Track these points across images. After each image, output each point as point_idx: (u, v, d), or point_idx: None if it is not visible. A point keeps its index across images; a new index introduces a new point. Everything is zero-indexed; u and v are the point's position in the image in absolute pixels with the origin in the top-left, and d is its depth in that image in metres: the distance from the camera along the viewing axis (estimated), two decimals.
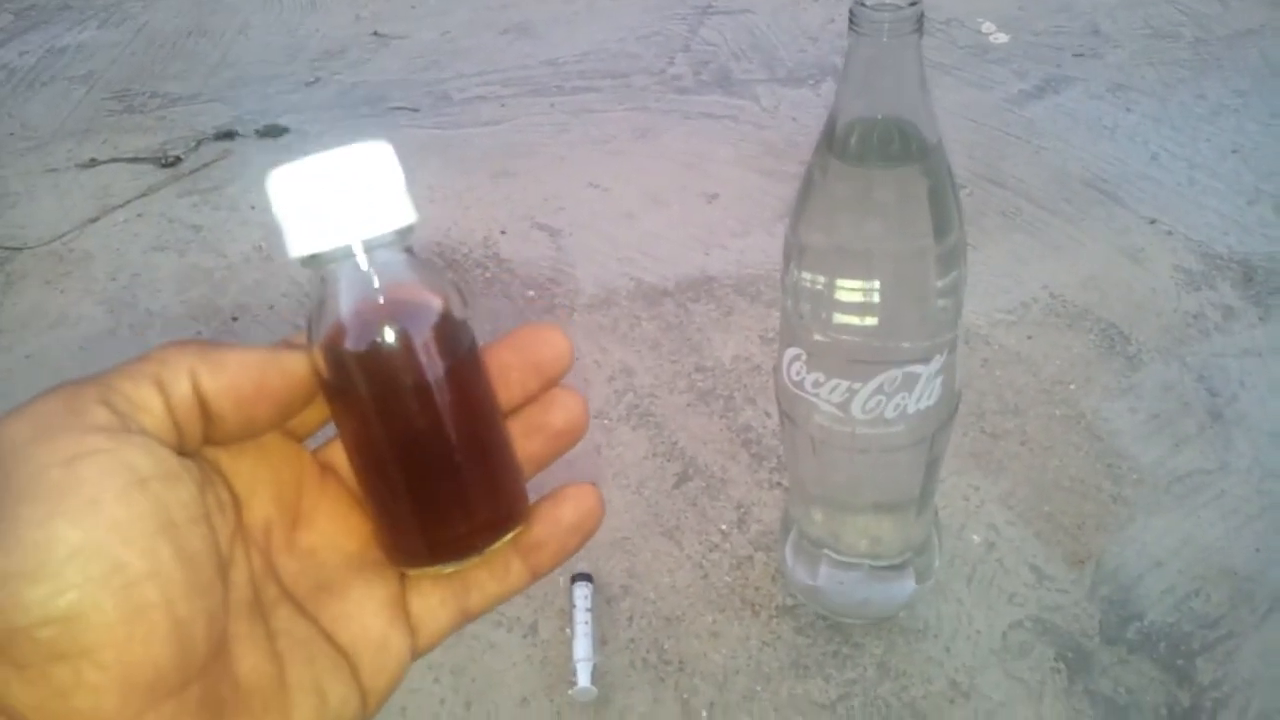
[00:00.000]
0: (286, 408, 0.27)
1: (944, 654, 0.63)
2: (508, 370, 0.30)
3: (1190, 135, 1.10)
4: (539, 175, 1.13)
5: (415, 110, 1.28)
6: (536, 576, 0.31)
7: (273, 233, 0.97)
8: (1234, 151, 1.07)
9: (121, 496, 0.23)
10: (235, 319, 0.96)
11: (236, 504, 0.27)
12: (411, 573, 0.29)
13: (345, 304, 0.27)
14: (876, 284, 0.51)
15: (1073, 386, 0.80)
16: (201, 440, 0.26)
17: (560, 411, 0.31)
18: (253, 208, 1.11)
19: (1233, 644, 0.62)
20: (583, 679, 0.61)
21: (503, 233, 1.04)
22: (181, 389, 0.25)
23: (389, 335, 0.26)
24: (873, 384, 0.52)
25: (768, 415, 0.79)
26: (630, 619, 0.66)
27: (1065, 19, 1.34)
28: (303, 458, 0.29)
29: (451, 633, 0.30)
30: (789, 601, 0.67)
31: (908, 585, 0.64)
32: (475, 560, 0.29)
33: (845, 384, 0.53)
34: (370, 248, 0.27)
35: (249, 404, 0.26)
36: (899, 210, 0.50)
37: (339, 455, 0.30)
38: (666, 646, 0.65)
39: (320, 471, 0.30)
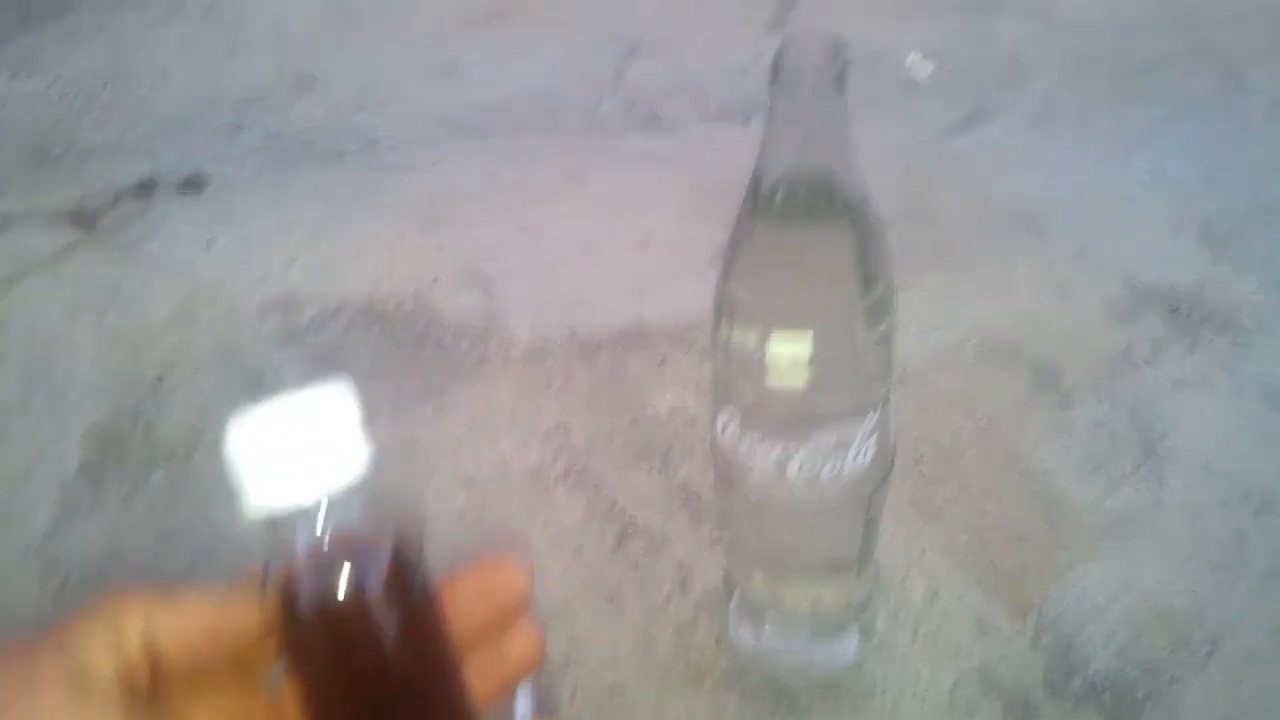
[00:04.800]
0: (238, 652, 0.28)
1: (892, 714, 0.63)
2: (467, 612, 0.30)
3: (1113, 165, 1.11)
4: (470, 222, 1.11)
5: (342, 157, 1.26)
6: None
7: (198, 293, 0.94)
8: (1156, 181, 1.08)
9: None
10: (160, 379, 0.93)
11: None
12: None
13: (299, 555, 0.27)
14: (808, 343, 0.50)
15: (1008, 427, 0.80)
16: (151, 683, 0.26)
17: (517, 647, 0.31)
18: (175, 265, 1.08)
19: (1176, 690, 0.63)
20: None
21: (434, 282, 1.02)
22: (134, 642, 0.25)
23: (341, 590, 0.27)
24: (808, 445, 0.52)
25: (705, 470, 0.78)
26: (574, 692, 0.65)
27: (988, 49, 1.35)
28: (253, 699, 0.29)
29: None
30: (734, 666, 0.66)
31: (852, 643, 0.64)
32: None
33: (780, 445, 0.52)
34: (326, 504, 0.27)
35: (201, 650, 0.27)
36: (826, 268, 0.50)
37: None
38: None
39: (272, 712, 0.30)
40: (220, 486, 0.81)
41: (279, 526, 0.27)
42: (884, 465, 0.56)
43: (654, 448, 0.80)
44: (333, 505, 0.27)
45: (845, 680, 0.64)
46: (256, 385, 0.91)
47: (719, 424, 0.55)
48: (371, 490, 0.28)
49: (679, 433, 0.82)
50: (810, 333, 0.50)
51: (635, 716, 0.63)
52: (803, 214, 0.49)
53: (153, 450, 0.86)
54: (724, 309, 0.52)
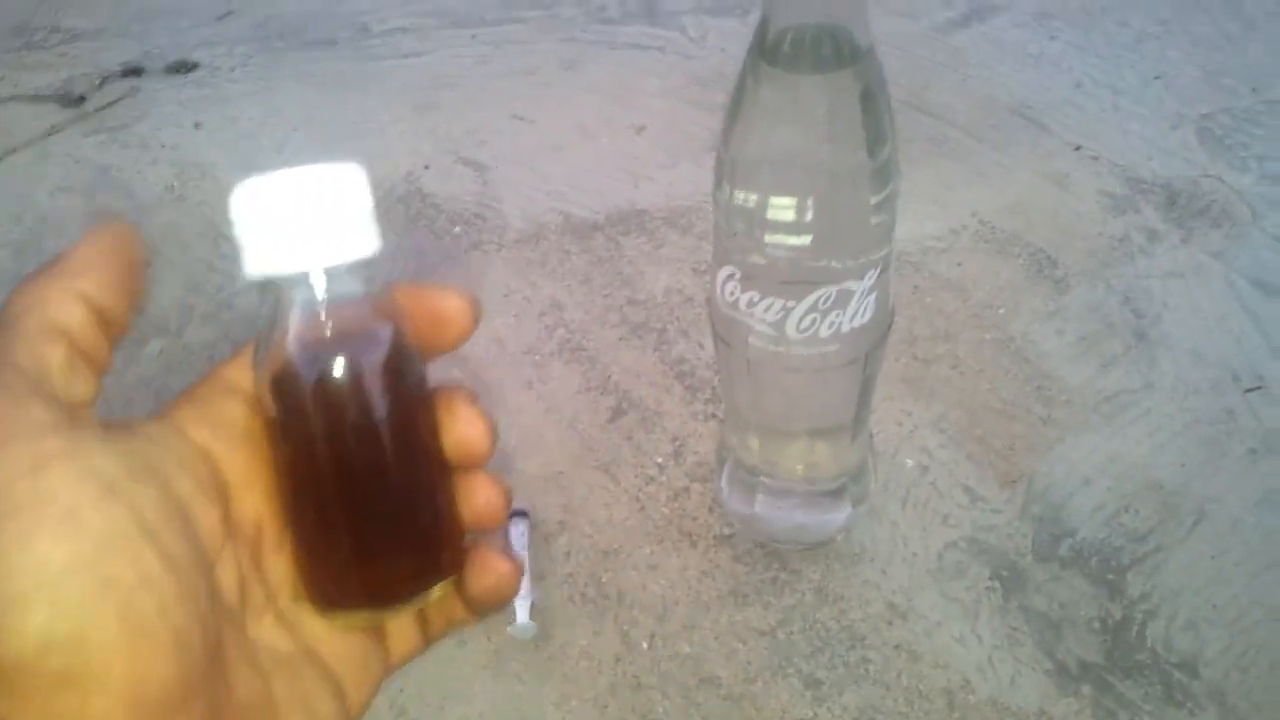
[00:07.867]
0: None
1: (880, 577, 0.64)
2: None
3: (1114, 63, 1.10)
4: (462, 108, 1.10)
5: (333, 43, 1.23)
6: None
7: (186, 173, 0.93)
8: (1157, 78, 1.07)
9: (97, 505, 0.21)
10: (148, 263, 0.92)
11: (226, 492, 0.26)
12: (330, 618, 0.28)
13: (295, 331, 0.26)
14: (810, 200, 0.50)
15: (1002, 311, 0.81)
16: (110, 348, 0.25)
17: (480, 498, 0.29)
18: (163, 146, 1.07)
19: (1160, 557, 0.64)
20: (521, 616, 0.61)
21: (426, 168, 1.01)
22: (77, 319, 0.24)
23: (339, 368, 0.26)
24: (807, 302, 0.52)
25: (701, 347, 0.78)
26: (568, 554, 0.65)
27: None
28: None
29: (418, 654, 0.30)
30: (726, 531, 0.66)
31: (843, 510, 0.64)
32: (404, 609, 0.28)
33: (780, 302, 0.52)
34: (329, 276, 0.26)
35: (129, 291, 0.25)
36: (832, 121, 0.49)
37: None
38: (604, 580, 0.64)
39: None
40: (215, 358, 0.81)
41: (276, 291, 0.26)
42: (881, 326, 0.56)
43: (649, 326, 0.80)
44: (334, 277, 0.26)
45: (836, 544, 0.65)
46: None
47: (719, 282, 0.55)
48: (374, 276, 0.27)
49: (675, 311, 0.81)
50: (813, 191, 0.49)
51: (630, 575, 0.64)
52: (809, 62, 0.48)
53: (144, 326, 0.85)
54: (726, 165, 0.51)
